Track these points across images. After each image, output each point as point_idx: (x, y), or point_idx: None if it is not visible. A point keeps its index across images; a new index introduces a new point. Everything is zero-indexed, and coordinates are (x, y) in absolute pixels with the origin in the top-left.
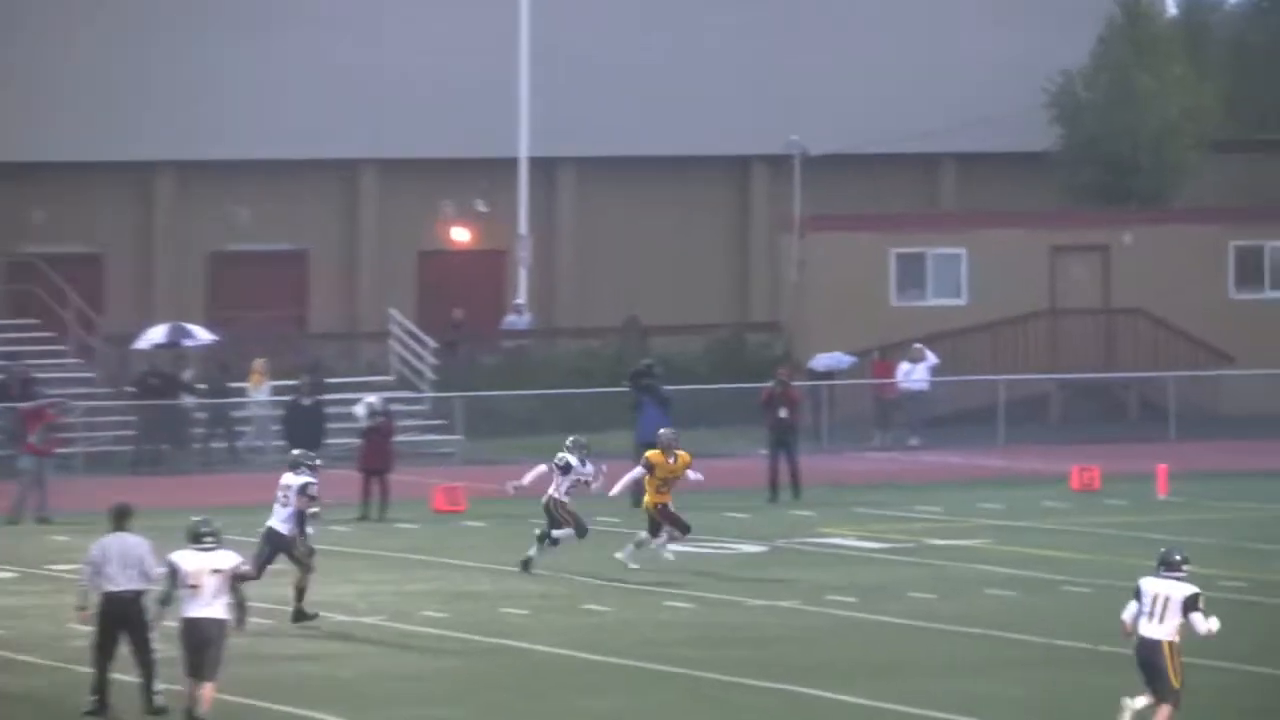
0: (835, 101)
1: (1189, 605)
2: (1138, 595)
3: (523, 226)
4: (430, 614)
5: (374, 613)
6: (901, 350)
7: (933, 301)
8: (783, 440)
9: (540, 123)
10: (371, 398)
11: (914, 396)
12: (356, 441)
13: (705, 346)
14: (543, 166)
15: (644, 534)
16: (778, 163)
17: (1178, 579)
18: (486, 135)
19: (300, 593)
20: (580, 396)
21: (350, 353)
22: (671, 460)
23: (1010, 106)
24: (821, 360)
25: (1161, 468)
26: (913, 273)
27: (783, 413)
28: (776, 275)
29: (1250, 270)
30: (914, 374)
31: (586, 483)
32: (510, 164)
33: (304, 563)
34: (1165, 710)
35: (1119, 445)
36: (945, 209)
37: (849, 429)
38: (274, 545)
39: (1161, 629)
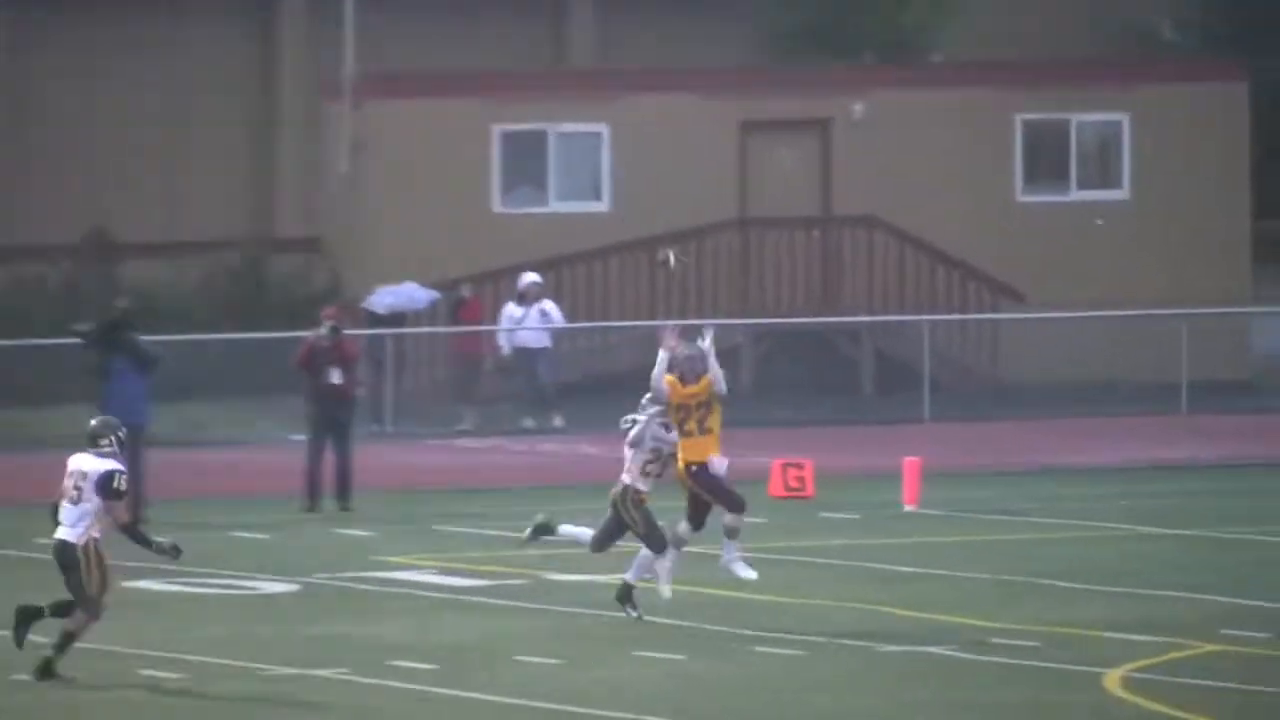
0: None
1: None
2: None
3: None
4: None
5: None
6: (508, 283)
7: (558, 206)
8: (330, 420)
9: None
10: None
11: (528, 355)
12: None
13: (205, 276)
14: None
15: (681, 526)
16: None
17: None
18: None
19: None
20: (9, 353)
21: None
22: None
23: None
24: (384, 298)
25: (910, 463)
26: (527, 162)
27: (334, 377)
28: (318, 166)
29: (1047, 159)
30: (526, 320)
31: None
32: None
33: (86, 603)
34: None
35: (845, 428)
36: (578, 66)
37: (428, 405)
38: (68, 568)
39: None
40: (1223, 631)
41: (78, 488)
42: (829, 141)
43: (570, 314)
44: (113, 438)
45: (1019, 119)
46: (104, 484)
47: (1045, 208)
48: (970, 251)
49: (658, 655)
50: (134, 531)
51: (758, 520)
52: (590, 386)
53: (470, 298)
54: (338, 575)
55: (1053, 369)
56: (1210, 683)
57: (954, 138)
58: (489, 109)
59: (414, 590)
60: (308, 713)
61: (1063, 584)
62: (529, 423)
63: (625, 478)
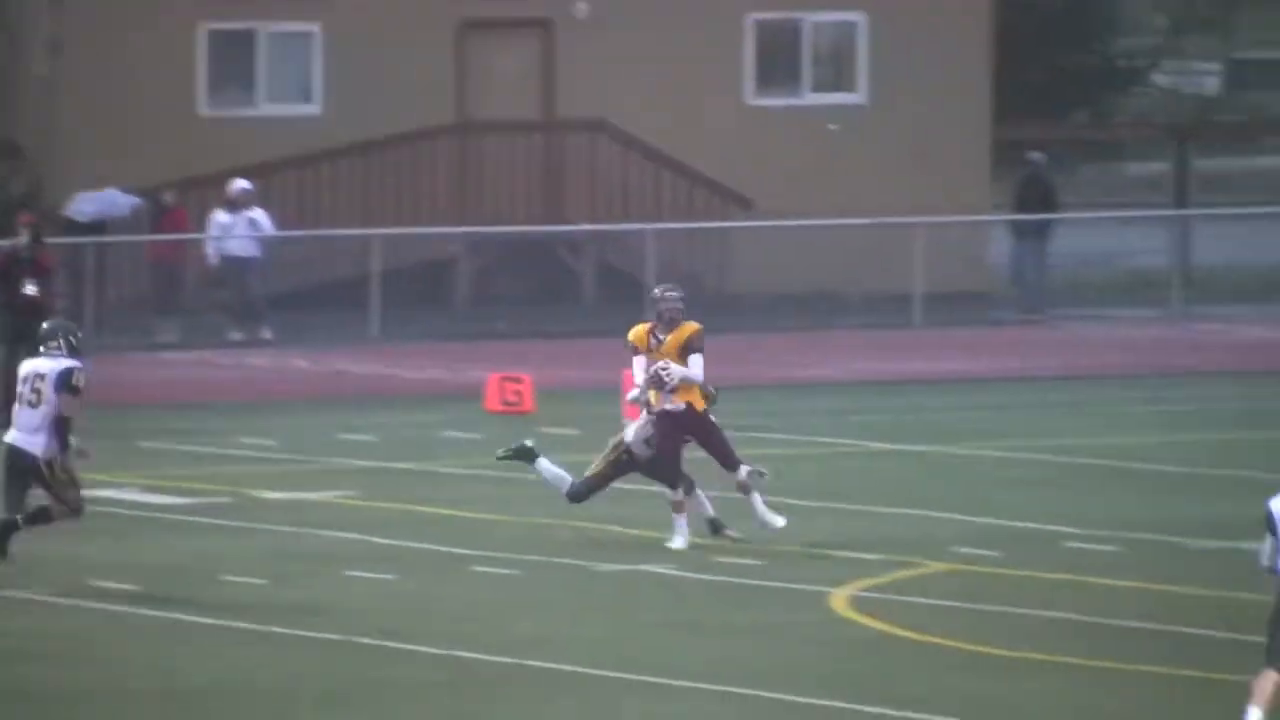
0: None
1: None
2: (1272, 525)
3: None
4: None
5: None
6: (216, 190)
7: (267, 109)
8: (26, 332)
9: None
10: None
11: (237, 265)
12: None
13: None
14: None
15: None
16: None
17: None
18: None
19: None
20: None
21: None
22: (655, 342)
23: None
24: (85, 205)
25: (632, 377)
26: (236, 62)
27: (29, 288)
28: (14, 67)
29: (779, 61)
30: (235, 229)
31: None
32: None
33: (66, 500)
34: None
35: (567, 341)
36: None
37: (130, 317)
38: (18, 473)
39: None
40: (952, 550)
41: (35, 390)
42: (552, 43)
43: (280, 222)
44: (62, 340)
45: (750, 19)
46: (63, 379)
47: (777, 112)
48: (699, 158)
49: (369, 575)
50: (65, 429)
51: (472, 436)
52: (301, 298)
53: (174, 205)
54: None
55: (783, 280)
56: (938, 601)
57: (682, 39)
58: (195, 6)
59: (116, 509)
60: (2, 639)
61: (790, 501)
62: (236, 335)
63: (628, 434)
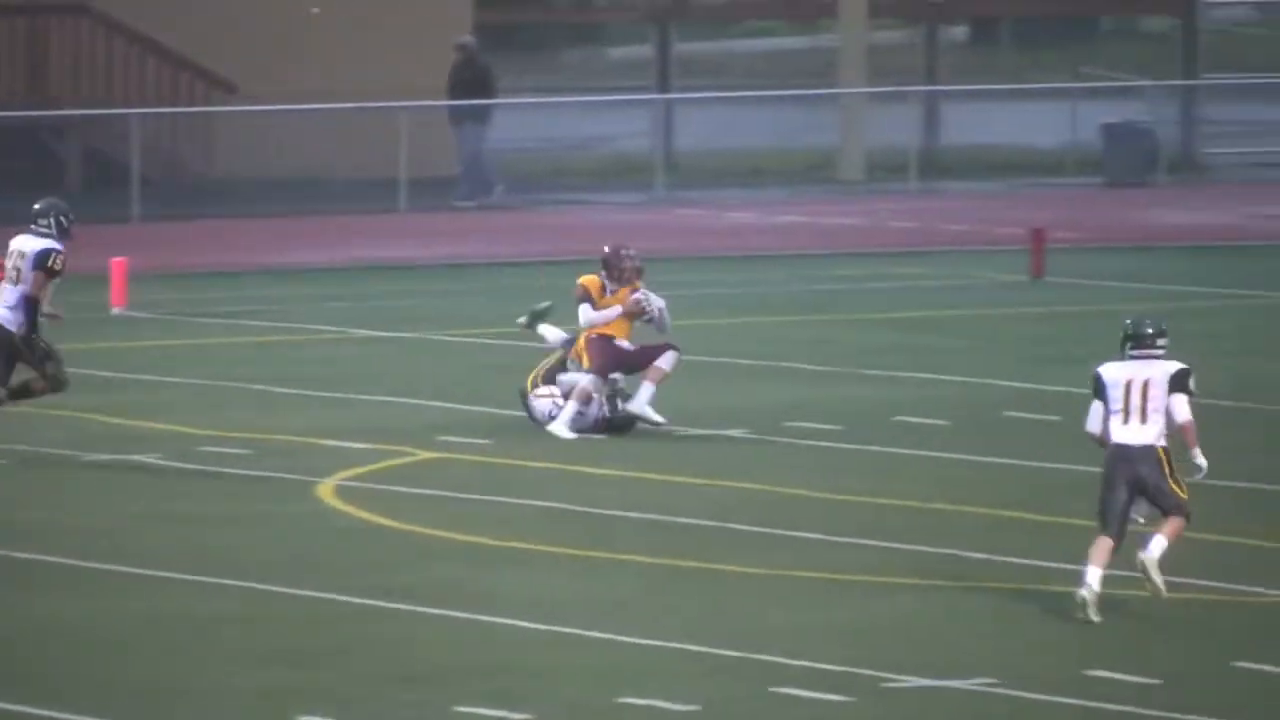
0: None
1: (1176, 384)
2: (1099, 390)
3: None
4: None
5: None
6: None
7: None
8: None
9: None
10: None
11: None
12: None
13: None
14: None
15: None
16: None
17: (1155, 357)
18: None
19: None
20: None
21: None
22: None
23: None
24: None
25: (117, 264)
26: None
27: None
28: None
29: None
30: None
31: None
32: None
33: (45, 374)
34: (1175, 524)
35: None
36: None
37: None
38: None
39: (1147, 430)
40: (441, 439)
41: (16, 268)
42: None
43: None
44: (53, 219)
45: None
46: (40, 259)
47: None
48: (182, 41)
49: None
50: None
51: None
52: None
53: None
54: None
55: (268, 165)
56: (424, 490)
57: None
58: None
59: None
60: None
61: (276, 390)
62: None
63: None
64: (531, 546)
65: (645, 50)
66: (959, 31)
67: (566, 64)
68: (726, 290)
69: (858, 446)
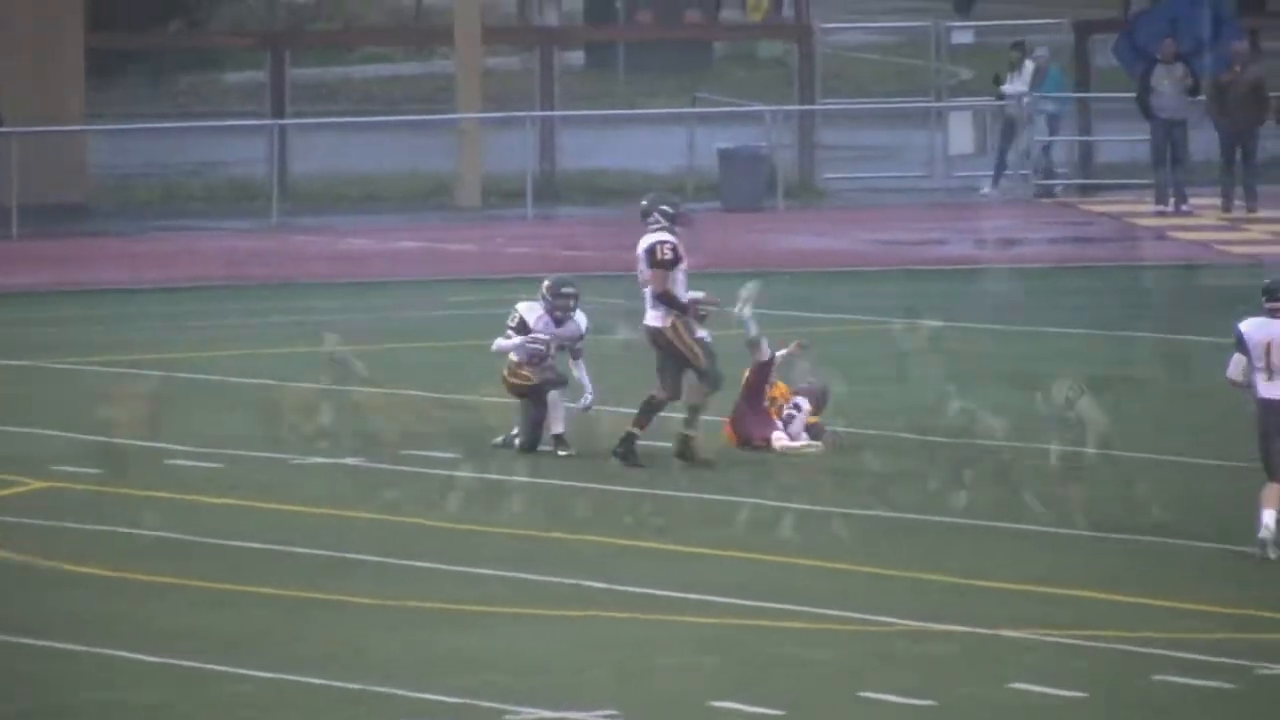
0: None
1: None
2: (1240, 344)
3: None
4: None
5: None
6: None
7: None
8: None
9: None
10: None
11: None
12: None
13: None
14: None
15: None
16: None
17: None
18: None
19: None
20: None
21: None
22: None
23: None
24: None
25: None
26: None
27: None
28: None
29: None
30: None
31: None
32: None
33: None
34: None
35: None
36: None
37: None
38: None
39: None
40: (52, 467)
41: None
42: None
43: None
44: None
45: None
46: None
47: None
48: None
49: None
50: None
51: None
52: None
53: None
54: None
55: None
56: (38, 521)
57: None
58: None
59: None
60: None
61: None
62: None
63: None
64: (147, 577)
65: (261, 76)
66: (574, 57)
67: (181, 89)
68: (341, 317)
69: (471, 475)
